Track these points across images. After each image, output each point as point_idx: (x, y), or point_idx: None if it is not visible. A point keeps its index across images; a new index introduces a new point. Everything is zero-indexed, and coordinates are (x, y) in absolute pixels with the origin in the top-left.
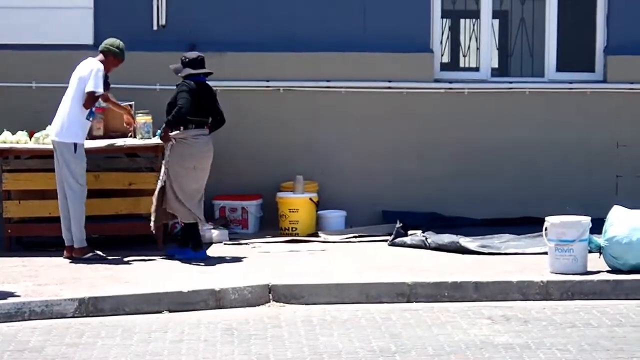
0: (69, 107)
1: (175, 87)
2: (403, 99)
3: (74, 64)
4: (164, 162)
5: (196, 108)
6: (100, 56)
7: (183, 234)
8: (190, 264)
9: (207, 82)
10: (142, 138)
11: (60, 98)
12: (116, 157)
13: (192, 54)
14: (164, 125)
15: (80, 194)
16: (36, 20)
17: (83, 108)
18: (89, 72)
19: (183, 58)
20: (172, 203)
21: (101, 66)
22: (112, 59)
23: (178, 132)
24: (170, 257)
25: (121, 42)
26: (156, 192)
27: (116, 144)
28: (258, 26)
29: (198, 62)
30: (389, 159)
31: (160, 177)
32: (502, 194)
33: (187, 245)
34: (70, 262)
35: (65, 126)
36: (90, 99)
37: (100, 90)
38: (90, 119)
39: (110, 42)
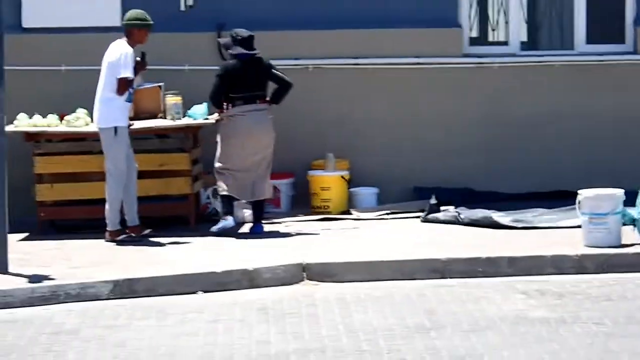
0: (101, 93)
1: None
2: (432, 75)
3: (102, 47)
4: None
5: (238, 85)
6: (123, 39)
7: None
8: (234, 235)
9: (256, 55)
10: (172, 119)
11: (89, 81)
12: (147, 138)
13: (244, 32)
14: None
15: (118, 178)
16: (64, 3)
17: (115, 92)
18: (117, 58)
19: (234, 34)
20: (217, 175)
21: (129, 50)
22: (137, 31)
23: (227, 110)
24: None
25: (139, 11)
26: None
27: (145, 125)
28: (286, 4)
29: (248, 40)
30: (419, 135)
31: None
32: (533, 167)
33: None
34: (106, 243)
35: (102, 112)
36: (122, 85)
37: (130, 75)
38: (130, 101)
39: (128, 16)
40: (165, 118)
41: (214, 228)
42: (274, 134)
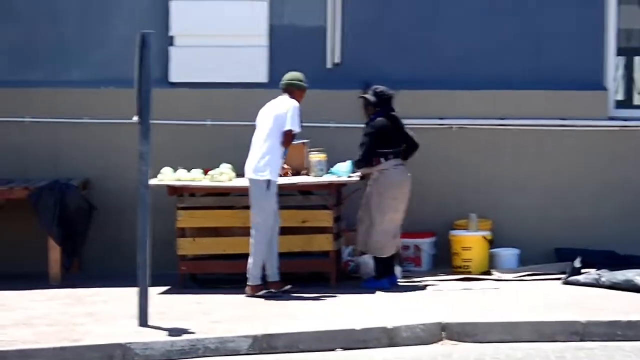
0: (266, 145)
1: (364, 126)
2: (577, 137)
3: (247, 102)
4: (365, 195)
5: (390, 140)
6: (286, 95)
7: (376, 267)
8: (373, 292)
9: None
10: (315, 176)
11: (234, 136)
12: (290, 194)
13: (388, 90)
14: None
15: (265, 232)
16: (212, 58)
17: (279, 145)
18: (286, 111)
19: (380, 92)
20: (367, 237)
21: (297, 104)
22: (297, 92)
23: (380, 164)
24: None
25: (298, 74)
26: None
27: (289, 182)
28: (431, 64)
29: (391, 98)
30: (563, 197)
31: (360, 211)
32: None
33: (381, 277)
34: (246, 298)
35: (262, 163)
36: (288, 138)
37: (297, 129)
38: (284, 157)
39: (290, 76)
40: (309, 175)
41: (365, 284)
42: None
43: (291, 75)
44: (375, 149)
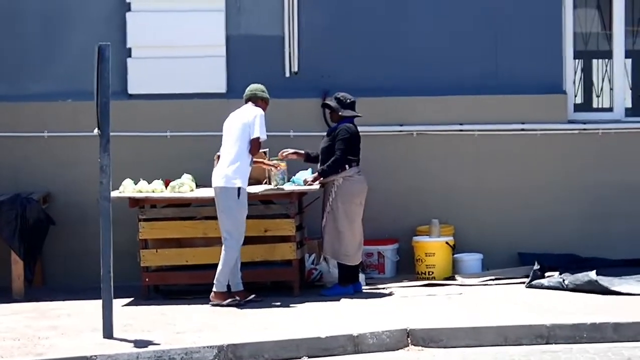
0: (234, 153)
1: (325, 134)
2: (537, 141)
3: (207, 113)
4: (328, 203)
5: (356, 147)
6: (250, 104)
7: (342, 274)
8: (338, 300)
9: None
10: (276, 185)
11: (194, 147)
12: (251, 204)
13: (350, 96)
14: (316, 173)
15: (238, 240)
16: (170, 70)
17: (248, 154)
18: (252, 119)
19: (343, 99)
20: (336, 245)
21: (262, 112)
22: (261, 103)
23: (344, 171)
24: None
25: (262, 85)
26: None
27: (251, 191)
28: (390, 71)
29: (354, 104)
30: (524, 201)
31: (324, 219)
32: (638, 234)
33: (347, 284)
34: (210, 307)
35: (231, 171)
36: (256, 145)
37: (264, 136)
38: (251, 165)
39: (254, 87)
40: (269, 184)
41: (328, 292)
42: None
43: (254, 87)
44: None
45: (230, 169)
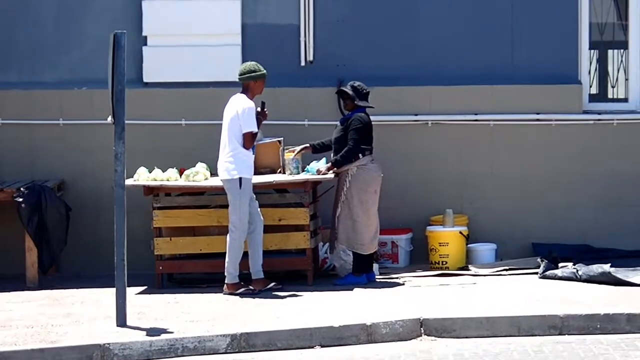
0: (230, 144)
1: (339, 123)
2: (552, 131)
3: (222, 101)
4: (342, 192)
5: (369, 136)
6: (240, 94)
7: (356, 263)
8: (351, 289)
9: None
10: (290, 173)
11: (209, 135)
12: (266, 193)
13: (366, 87)
14: (329, 163)
15: (242, 230)
16: (185, 58)
17: (240, 145)
18: (241, 112)
19: (360, 88)
20: (351, 234)
21: (250, 104)
22: (253, 84)
23: (358, 160)
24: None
25: (252, 63)
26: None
27: (265, 180)
28: (405, 60)
29: (368, 95)
30: (538, 191)
31: (338, 208)
32: None
33: (360, 273)
34: (224, 296)
35: (230, 163)
36: (248, 139)
37: (254, 129)
38: (254, 152)
39: (242, 69)
40: (284, 173)
41: (341, 282)
42: None
43: (244, 68)
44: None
45: (228, 161)
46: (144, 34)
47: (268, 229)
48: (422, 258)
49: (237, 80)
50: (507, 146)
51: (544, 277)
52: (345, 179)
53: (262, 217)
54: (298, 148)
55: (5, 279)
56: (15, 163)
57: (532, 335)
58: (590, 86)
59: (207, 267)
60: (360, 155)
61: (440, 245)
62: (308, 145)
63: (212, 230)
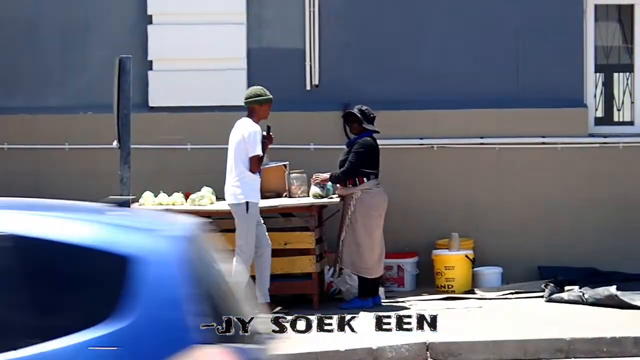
0: (236, 168)
1: (345, 146)
2: (558, 154)
3: (227, 125)
4: (347, 216)
5: (374, 161)
6: (246, 118)
7: (362, 287)
8: (357, 313)
9: None
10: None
11: (214, 159)
12: (271, 217)
13: (372, 111)
14: (328, 174)
15: (248, 254)
16: (191, 82)
17: (246, 169)
18: (247, 136)
19: (367, 112)
20: (355, 258)
21: (256, 128)
22: (259, 108)
23: (362, 183)
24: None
25: (258, 88)
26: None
27: (271, 204)
28: (411, 84)
29: (374, 120)
30: (544, 215)
31: (343, 232)
32: None
33: (366, 297)
34: None
35: (237, 187)
36: (255, 163)
37: (260, 152)
38: (260, 176)
39: (248, 94)
40: (290, 197)
41: (347, 305)
42: None
43: (250, 92)
44: (360, 168)
45: (235, 185)
46: (149, 58)
47: (274, 253)
48: (428, 282)
49: (243, 104)
50: (513, 170)
51: (550, 300)
52: (350, 203)
53: (269, 241)
54: (321, 176)
55: None
56: (21, 187)
57: (539, 359)
58: (596, 109)
59: None
60: (365, 179)
61: (446, 269)
62: (328, 175)
63: None
